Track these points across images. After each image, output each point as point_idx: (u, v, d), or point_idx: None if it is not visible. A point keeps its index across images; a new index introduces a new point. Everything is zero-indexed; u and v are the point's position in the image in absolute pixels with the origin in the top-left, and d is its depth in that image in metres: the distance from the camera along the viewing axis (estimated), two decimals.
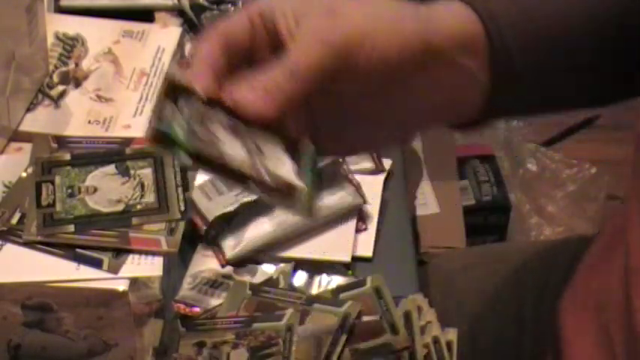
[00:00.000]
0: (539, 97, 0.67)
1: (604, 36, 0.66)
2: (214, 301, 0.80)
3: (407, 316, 0.74)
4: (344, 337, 0.73)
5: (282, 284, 0.80)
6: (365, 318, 0.74)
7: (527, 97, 0.66)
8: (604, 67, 0.67)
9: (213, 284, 0.81)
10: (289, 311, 0.75)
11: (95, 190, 0.73)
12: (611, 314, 0.68)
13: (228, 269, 0.82)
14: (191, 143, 0.60)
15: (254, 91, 0.59)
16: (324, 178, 0.84)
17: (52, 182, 0.73)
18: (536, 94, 0.66)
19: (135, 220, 0.71)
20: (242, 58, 0.61)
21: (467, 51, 0.62)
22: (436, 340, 0.72)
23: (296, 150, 0.61)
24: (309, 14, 0.60)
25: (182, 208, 0.72)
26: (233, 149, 0.61)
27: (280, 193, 0.59)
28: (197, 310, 0.79)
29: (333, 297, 0.77)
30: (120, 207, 0.72)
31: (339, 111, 0.61)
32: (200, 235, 0.83)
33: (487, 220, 1.82)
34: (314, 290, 0.81)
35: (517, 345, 0.89)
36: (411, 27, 0.60)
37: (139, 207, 0.73)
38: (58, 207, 0.72)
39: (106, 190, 0.74)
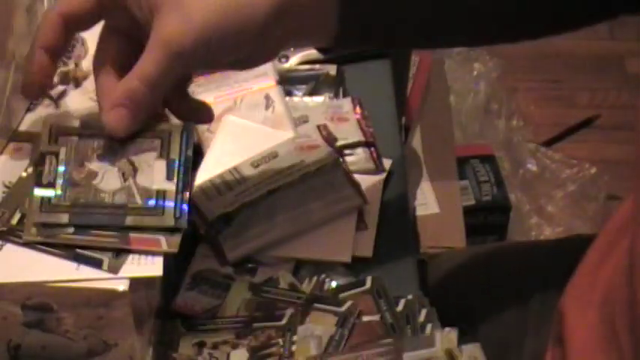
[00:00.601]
0: (383, 23, 0.70)
1: None
2: (214, 301, 0.80)
3: (407, 316, 0.74)
4: (344, 337, 0.73)
5: (282, 284, 0.80)
6: (365, 318, 0.74)
7: (373, 24, 0.69)
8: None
9: (214, 284, 0.81)
10: (289, 311, 0.75)
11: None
12: (616, 308, 0.68)
13: (228, 269, 0.82)
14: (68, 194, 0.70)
15: (111, 110, 0.66)
16: (324, 179, 0.84)
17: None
18: (381, 18, 0.69)
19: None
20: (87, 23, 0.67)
21: None
22: None
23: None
24: (157, 16, 0.63)
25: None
26: (107, 182, 0.71)
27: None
28: (197, 310, 0.79)
29: (333, 297, 0.77)
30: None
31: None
32: (200, 235, 0.83)
33: (487, 220, 1.82)
34: (314, 290, 0.81)
35: (519, 344, 0.89)
36: (262, 7, 0.63)
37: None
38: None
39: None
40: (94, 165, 0.72)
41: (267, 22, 0.63)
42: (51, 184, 0.72)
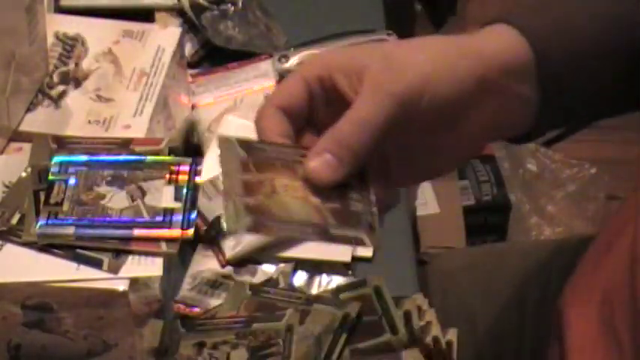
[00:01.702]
0: (587, 106, 0.69)
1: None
2: (214, 302, 0.80)
3: (407, 316, 0.74)
4: (344, 337, 0.73)
5: (282, 284, 0.80)
6: (365, 318, 0.74)
7: (576, 109, 0.68)
8: None
9: (213, 284, 0.81)
10: (289, 311, 0.75)
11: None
12: (616, 306, 0.68)
13: (228, 269, 0.82)
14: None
15: (315, 157, 0.60)
16: None
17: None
18: (584, 104, 0.68)
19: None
20: (300, 124, 0.63)
21: (518, 77, 0.64)
22: (436, 340, 0.72)
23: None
24: (368, 66, 0.61)
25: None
26: (116, 202, 0.71)
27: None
28: (197, 310, 0.79)
29: (333, 297, 0.77)
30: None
31: (399, 149, 0.63)
32: (200, 235, 0.83)
33: (487, 220, 1.82)
34: (314, 290, 0.81)
35: (518, 344, 0.89)
36: (465, 67, 0.62)
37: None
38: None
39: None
40: (103, 189, 0.73)
41: (472, 93, 0.62)
42: (59, 204, 0.72)
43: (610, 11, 0.67)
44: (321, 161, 0.60)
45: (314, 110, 0.63)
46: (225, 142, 0.62)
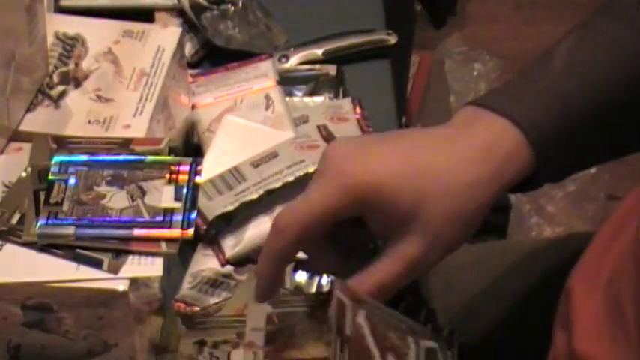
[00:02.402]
0: (582, 166, 0.74)
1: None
2: (214, 300, 0.80)
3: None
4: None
5: (287, 284, 0.80)
6: None
7: (572, 170, 0.73)
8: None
9: (214, 283, 0.82)
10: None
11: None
12: (622, 286, 0.68)
13: (229, 268, 0.82)
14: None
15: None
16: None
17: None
18: (580, 165, 0.73)
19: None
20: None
21: (519, 173, 0.68)
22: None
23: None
24: (403, 230, 0.64)
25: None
26: (115, 202, 0.72)
27: None
28: (197, 309, 0.79)
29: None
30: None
31: None
32: (200, 234, 0.83)
33: (487, 220, 1.82)
34: (314, 290, 0.81)
35: (521, 340, 0.89)
36: (489, 189, 0.66)
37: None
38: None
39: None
40: (103, 189, 0.73)
41: (489, 206, 0.66)
42: (59, 204, 0.72)
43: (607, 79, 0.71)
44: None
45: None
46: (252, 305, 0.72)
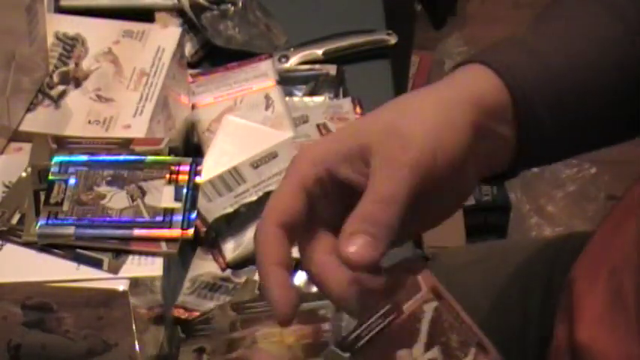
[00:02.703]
0: (566, 146, 0.71)
1: (628, 80, 0.70)
2: (213, 305, 0.79)
3: None
4: None
5: None
6: None
7: (555, 148, 0.71)
8: (629, 105, 0.71)
9: (212, 287, 0.81)
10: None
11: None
12: (625, 274, 0.68)
13: (227, 271, 0.82)
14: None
15: (348, 241, 0.59)
16: None
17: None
18: (564, 144, 0.71)
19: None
20: (299, 231, 0.63)
21: (501, 120, 0.66)
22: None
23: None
24: (372, 145, 0.62)
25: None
26: (115, 202, 0.72)
27: None
28: (196, 315, 0.79)
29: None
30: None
31: (413, 207, 0.63)
32: (200, 237, 0.83)
33: (487, 220, 1.82)
34: (313, 290, 0.81)
35: (522, 337, 0.89)
36: (460, 116, 0.63)
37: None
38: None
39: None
40: (103, 189, 0.73)
41: (470, 140, 0.64)
42: (59, 204, 0.72)
43: (591, 48, 0.69)
44: (359, 244, 0.59)
45: (312, 209, 0.63)
46: (219, 309, 0.74)
